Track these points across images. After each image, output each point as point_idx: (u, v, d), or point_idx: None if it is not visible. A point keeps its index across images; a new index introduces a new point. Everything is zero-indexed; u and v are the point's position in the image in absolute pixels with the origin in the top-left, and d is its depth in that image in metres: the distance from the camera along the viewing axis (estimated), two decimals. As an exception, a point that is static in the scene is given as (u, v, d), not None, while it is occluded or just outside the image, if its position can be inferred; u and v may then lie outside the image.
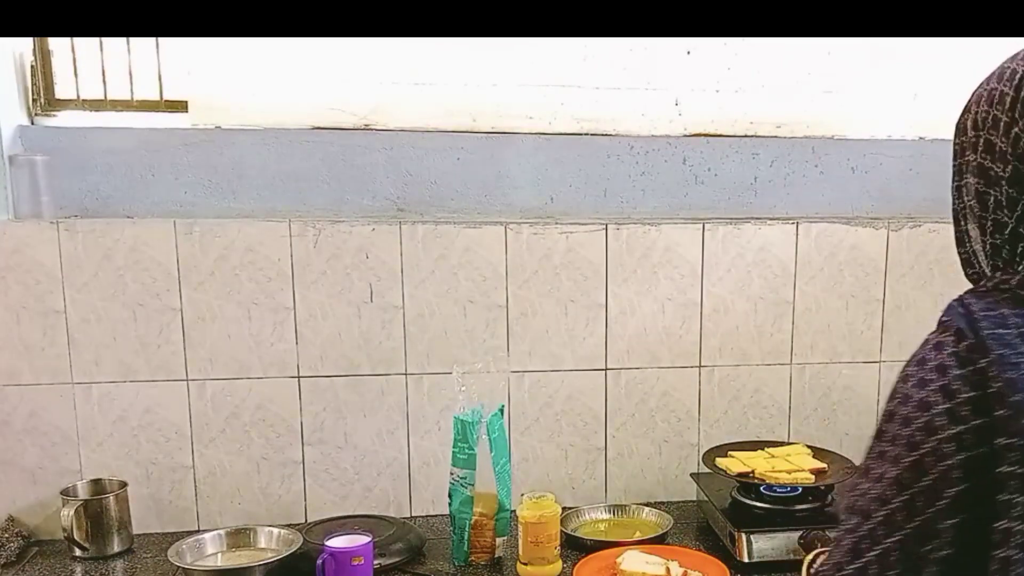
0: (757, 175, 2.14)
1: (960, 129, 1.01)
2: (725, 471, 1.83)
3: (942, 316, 0.94)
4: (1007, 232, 0.94)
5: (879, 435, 0.93)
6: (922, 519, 0.85)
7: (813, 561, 1.51)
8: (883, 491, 0.88)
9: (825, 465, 1.85)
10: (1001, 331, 0.86)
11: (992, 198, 0.95)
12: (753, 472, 1.81)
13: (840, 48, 2.14)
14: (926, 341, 0.92)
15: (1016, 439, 0.82)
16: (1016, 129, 0.91)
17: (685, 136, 2.14)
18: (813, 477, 1.81)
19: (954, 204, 1.03)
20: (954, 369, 0.86)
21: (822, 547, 1.55)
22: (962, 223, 1.02)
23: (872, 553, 0.88)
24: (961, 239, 1.03)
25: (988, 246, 0.97)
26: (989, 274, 0.98)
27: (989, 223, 0.96)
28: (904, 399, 0.89)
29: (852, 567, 0.89)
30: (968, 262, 1.03)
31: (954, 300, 0.94)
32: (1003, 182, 0.93)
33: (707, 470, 1.89)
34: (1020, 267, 0.93)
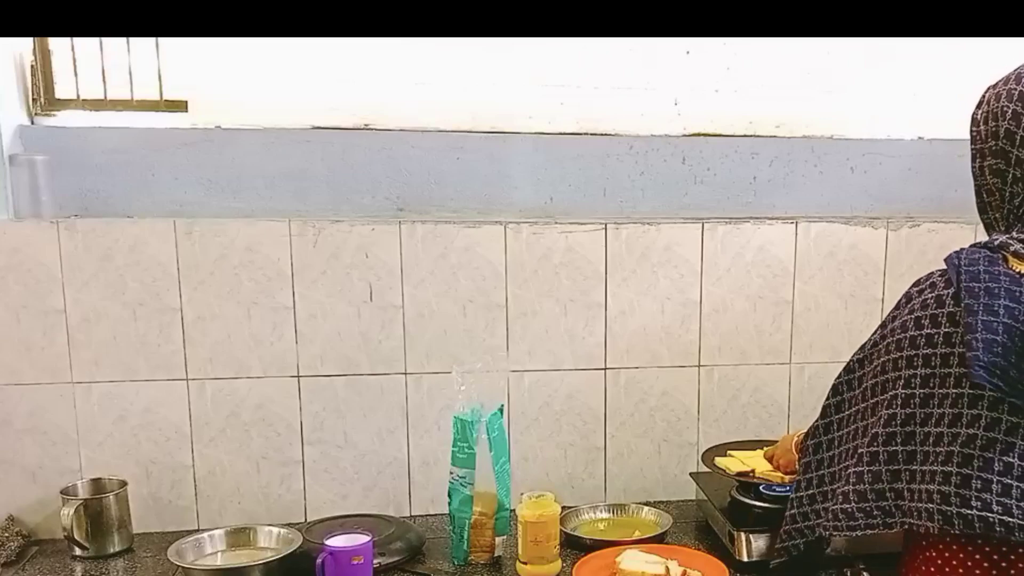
0: (756, 175, 2.15)
1: (978, 119, 1.27)
2: (724, 470, 1.83)
3: (947, 257, 1.27)
4: None
5: (881, 325, 1.35)
6: (931, 367, 1.25)
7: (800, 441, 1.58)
8: (904, 352, 1.27)
9: (824, 464, 1.85)
10: (973, 284, 1.19)
11: (1011, 174, 1.22)
12: (752, 472, 1.82)
13: (840, 48, 2.15)
14: (931, 274, 1.30)
15: (963, 368, 1.20)
16: None
17: (684, 136, 2.14)
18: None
19: (976, 180, 1.30)
20: (939, 307, 1.24)
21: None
22: (984, 196, 1.29)
23: (921, 393, 1.25)
24: (983, 208, 1.31)
25: (1007, 211, 1.26)
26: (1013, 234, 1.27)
27: (1008, 192, 1.24)
28: (907, 302, 1.30)
29: (907, 409, 1.26)
30: (990, 226, 1.32)
31: (970, 247, 1.24)
32: None
33: (706, 469, 1.89)
34: None
